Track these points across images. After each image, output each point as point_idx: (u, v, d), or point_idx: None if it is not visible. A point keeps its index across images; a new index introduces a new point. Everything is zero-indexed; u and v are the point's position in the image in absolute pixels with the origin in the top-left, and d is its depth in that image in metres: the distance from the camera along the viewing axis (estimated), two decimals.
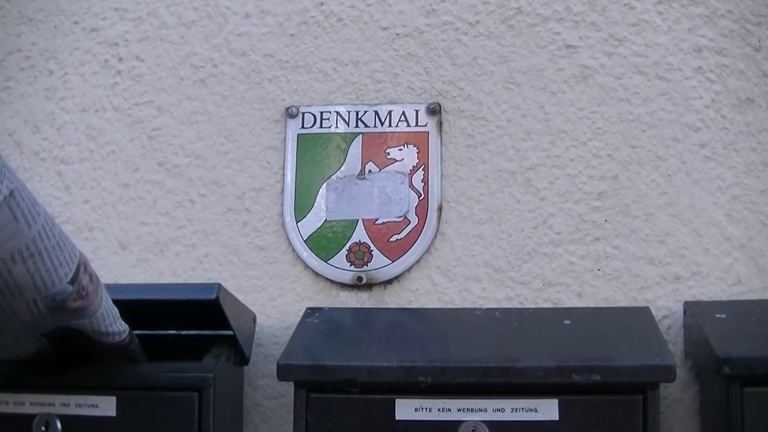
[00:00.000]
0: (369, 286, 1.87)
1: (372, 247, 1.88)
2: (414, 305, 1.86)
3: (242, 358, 1.74)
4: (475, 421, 1.48)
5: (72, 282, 1.32)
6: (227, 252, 1.91)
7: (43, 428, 1.58)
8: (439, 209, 1.88)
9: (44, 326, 1.39)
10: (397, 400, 1.51)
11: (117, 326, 1.48)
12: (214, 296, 1.54)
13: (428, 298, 1.86)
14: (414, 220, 1.88)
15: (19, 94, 2.05)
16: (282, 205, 1.92)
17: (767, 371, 1.48)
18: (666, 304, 1.82)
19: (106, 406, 1.59)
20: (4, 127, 2.03)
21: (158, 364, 1.62)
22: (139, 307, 1.54)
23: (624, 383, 1.47)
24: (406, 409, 1.51)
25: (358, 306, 1.87)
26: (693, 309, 1.74)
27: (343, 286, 1.88)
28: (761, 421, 1.48)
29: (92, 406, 1.59)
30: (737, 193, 1.84)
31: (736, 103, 1.86)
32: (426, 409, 1.50)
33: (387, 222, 1.89)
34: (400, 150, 1.91)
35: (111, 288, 1.48)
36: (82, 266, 1.34)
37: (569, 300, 1.82)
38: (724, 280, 1.82)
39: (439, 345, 1.72)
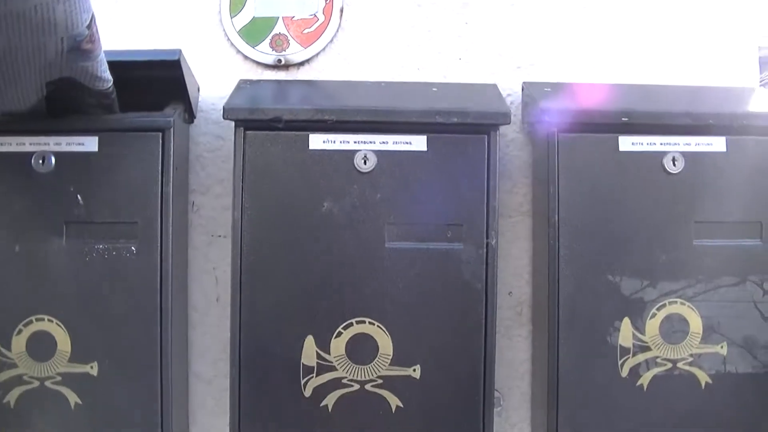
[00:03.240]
0: (286, 66, 2.30)
1: (289, 37, 2.29)
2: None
3: (191, 116, 2.18)
4: (366, 150, 1.98)
5: (88, 27, 1.69)
6: (178, 40, 2.29)
7: (41, 161, 1.98)
8: (341, 10, 2.31)
9: (55, 71, 1.76)
10: (310, 135, 1.98)
11: (107, 74, 1.87)
12: (176, 57, 1.98)
13: (331, 76, 2.30)
14: (322, 18, 2.30)
15: None
16: (219, 5, 2.31)
17: (574, 120, 2.02)
18: (510, 86, 2.31)
19: (90, 144, 1.99)
20: None
21: (130, 113, 2.02)
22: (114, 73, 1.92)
23: (473, 124, 1.97)
24: (317, 141, 1.98)
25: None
26: (528, 86, 2.24)
27: (266, 66, 2.30)
28: (570, 165, 2.03)
29: (79, 144, 1.99)
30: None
31: None
32: (331, 141, 1.98)
33: (301, 18, 2.30)
34: None
35: None
36: (94, 17, 1.71)
37: (438, 80, 2.29)
38: (553, 71, 2.33)
39: (341, 98, 2.15)
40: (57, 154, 1.99)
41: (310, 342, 1.98)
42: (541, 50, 2.33)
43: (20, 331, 1.99)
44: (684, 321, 2.07)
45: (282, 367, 1.99)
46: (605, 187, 2.06)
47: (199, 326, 2.27)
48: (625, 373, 2.06)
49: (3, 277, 2.00)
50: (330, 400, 1.99)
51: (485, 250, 1.99)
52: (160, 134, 2.00)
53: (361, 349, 1.99)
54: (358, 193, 1.99)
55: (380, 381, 1.99)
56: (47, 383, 2.00)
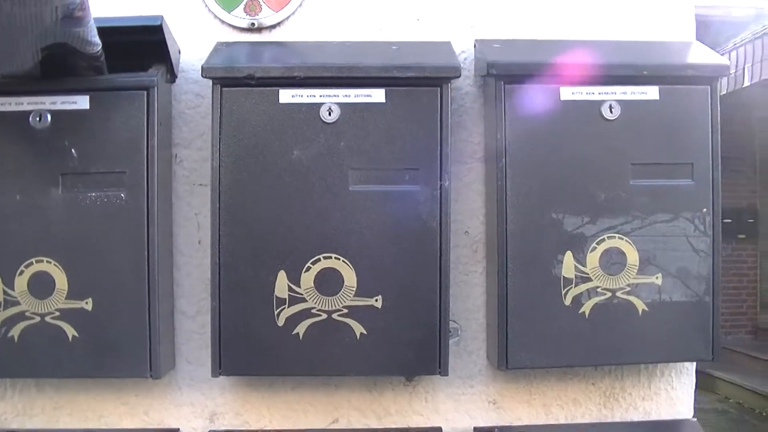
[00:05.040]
0: (260, 29, 2.47)
1: (261, 2, 2.46)
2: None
3: (172, 76, 2.36)
4: (331, 103, 2.18)
5: None
6: (159, 7, 2.43)
7: (38, 119, 2.17)
8: None
9: (49, 37, 1.92)
10: (280, 90, 2.18)
11: (96, 39, 2.05)
12: (159, 23, 2.17)
13: (300, 37, 2.47)
14: None
15: None
16: None
17: (519, 73, 2.24)
18: (464, 44, 2.49)
19: (82, 102, 2.18)
20: None
21: (117, 74, 2.20)
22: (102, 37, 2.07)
23: (427, 77, 2.18)
24: (286, 95, 2.19)
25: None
26: (480, 43, 2.43)
27: (241, 29, 2.48)
28: (516, 114, 2.23)
29: (72, 103, 2.18)
30: None
31: None
32: (299, 95, 2.19)
33: None
34: None
35: None
36: None
37: (398, 39, 2.47)
38: (504, 29, 2.51)
39: (309, 56, 2.35)
40: (52, 112, 2.18)
41: (282, 276, 2.20)
42: (493, 10, 2.50)
43: (22, 272, 2.20)
44: (622, 254, 2.28)
45: (257, 299, 2.21)
46: (549, 133, 2.26)
47: (183, 267, 2.46)
48: (568, 301, 2.27)
49: (5, 223, 2.20)
50: (301, 329, 2.21)
51: (439, 191, 2.20)
52: (145, 92, 2.19)
53: (328, 282, 2.21)
54: (323, 141, 2.19)
55: (346, 310, 2.21)
56: (47, 318, 2.21)
